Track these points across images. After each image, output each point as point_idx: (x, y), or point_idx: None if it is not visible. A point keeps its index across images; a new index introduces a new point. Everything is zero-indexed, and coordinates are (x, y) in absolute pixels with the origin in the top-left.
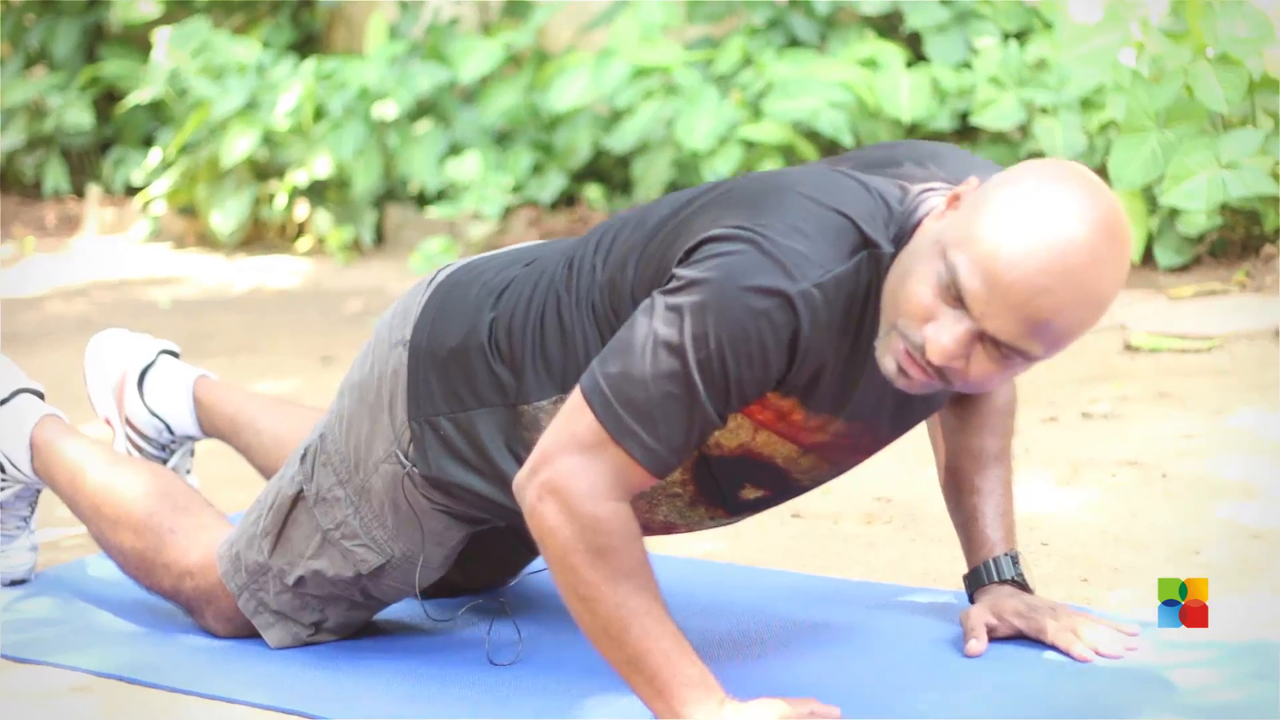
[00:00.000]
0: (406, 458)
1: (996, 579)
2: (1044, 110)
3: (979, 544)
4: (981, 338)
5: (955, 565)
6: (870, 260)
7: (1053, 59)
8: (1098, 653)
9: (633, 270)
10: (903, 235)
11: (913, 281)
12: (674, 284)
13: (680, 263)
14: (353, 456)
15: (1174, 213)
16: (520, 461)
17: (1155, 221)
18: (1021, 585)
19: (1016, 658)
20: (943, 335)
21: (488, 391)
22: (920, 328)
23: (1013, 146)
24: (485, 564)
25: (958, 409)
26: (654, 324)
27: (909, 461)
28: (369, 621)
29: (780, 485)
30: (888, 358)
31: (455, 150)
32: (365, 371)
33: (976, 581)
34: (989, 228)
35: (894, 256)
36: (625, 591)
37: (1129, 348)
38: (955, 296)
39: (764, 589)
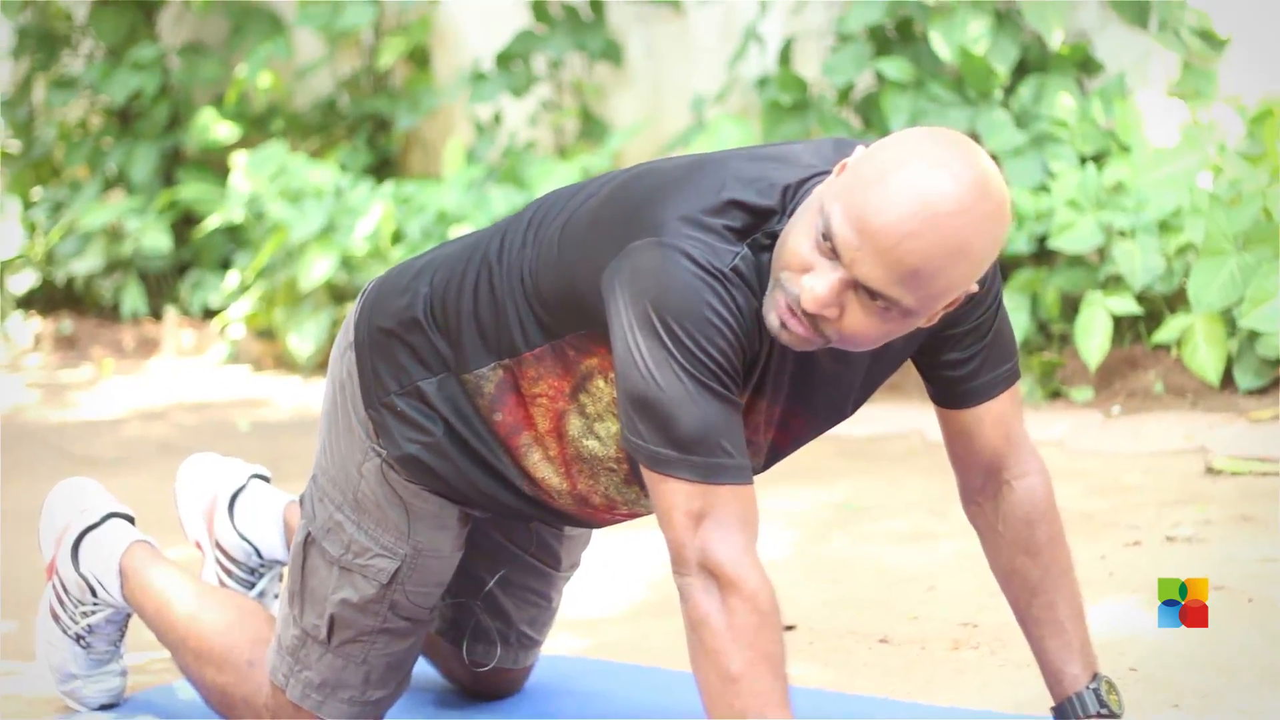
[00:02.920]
0: (380, 446)
1: (1083, 715)
2: (1122, 233)
3: (1057, 679)
4: (854, 286)
5: (1044, 691)
6: (766, 238)
7: (1130, 182)
8: None
9: (557, 255)
10: (796, 210)
11: (793, 236)
12: (625, 319)
13: (611, 291)
14: (341, 477)
15: (1253, 335)
16: (477, 420)
17: (1234, 344)
18: (1110, 715)
19: None
20: (817, 284)
21: (430, 360)
22: (799, 279)
23: (1091, 270)
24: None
25: (986, 526)
26: (640, 363)
27: (995, 586)
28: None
29: None
30: (771, 313)
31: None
32: (328, 396)
33: (1064, 717)
34: (862, 180)
35: None
36: (770, 679)
37: (1210, 471)
38: (830, 248)
39: (852, 715)
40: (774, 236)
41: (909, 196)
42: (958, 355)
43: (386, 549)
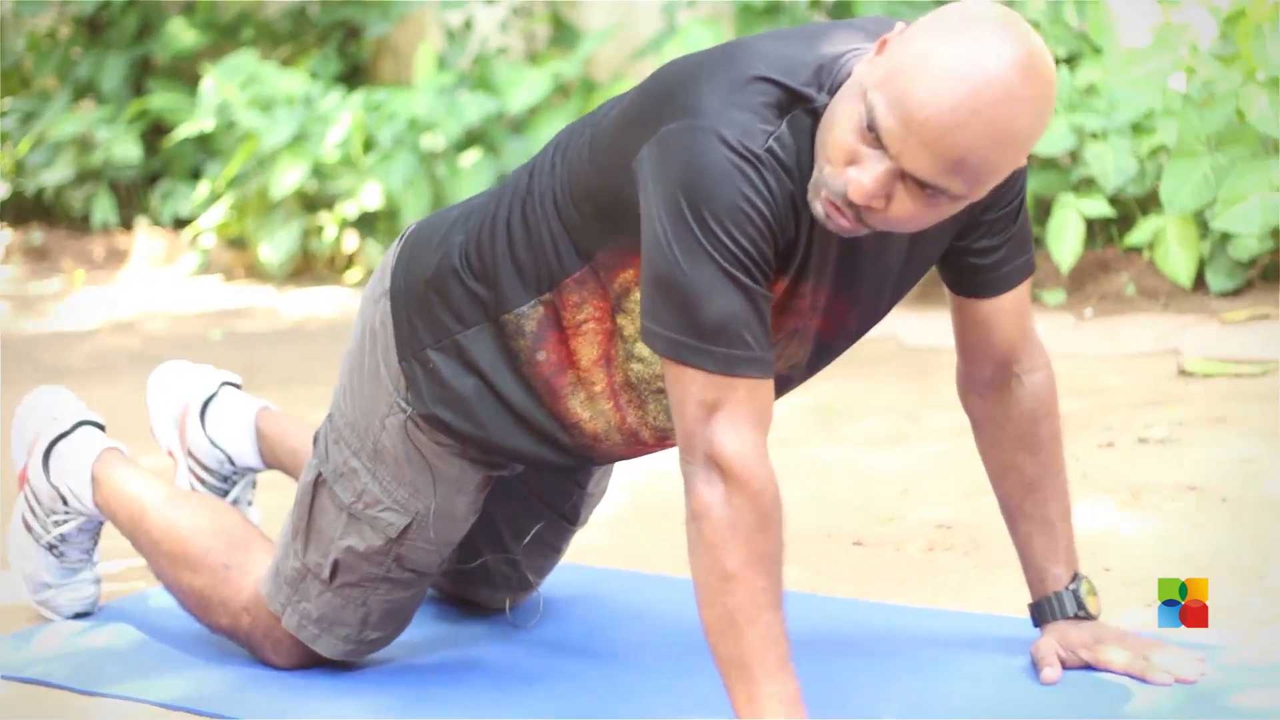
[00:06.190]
0: (406, 403)
1: (1060, 616)
2: (1094, 135)
3: (1038, 576)
4: (902, 176)
5: (1018, 592)
6: (805, 115)
7: (1103, 84)
8: (1176, 678)
9: (588, 160)
10: (835, 87)
11: (837, 125)
12: (654, 203)
13: (643, 175)
14: (361, 423)
15: (1225, 237)
16: (515, 373)
17: (1207, 246)
18: (1087, 617)
19: (1082, 682)
20: (864, 176)
21: (468, 311)
22: (843, 170)
23: (1063, 172)
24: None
25: (986, 417)
26: (666, 247)
27: (969, 489)
28: (414, 628)
29: None
30: (817, 202)
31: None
32: (356, 338)
33: (1041, 615)
34: (905, 66)
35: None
36: (766, 580)
37: (1183, 373)
38: (875, 137)
39: (828, 617)
40: (814, 115)
41: (954, 85)
42: (989, 242)
43: (399, 504)
